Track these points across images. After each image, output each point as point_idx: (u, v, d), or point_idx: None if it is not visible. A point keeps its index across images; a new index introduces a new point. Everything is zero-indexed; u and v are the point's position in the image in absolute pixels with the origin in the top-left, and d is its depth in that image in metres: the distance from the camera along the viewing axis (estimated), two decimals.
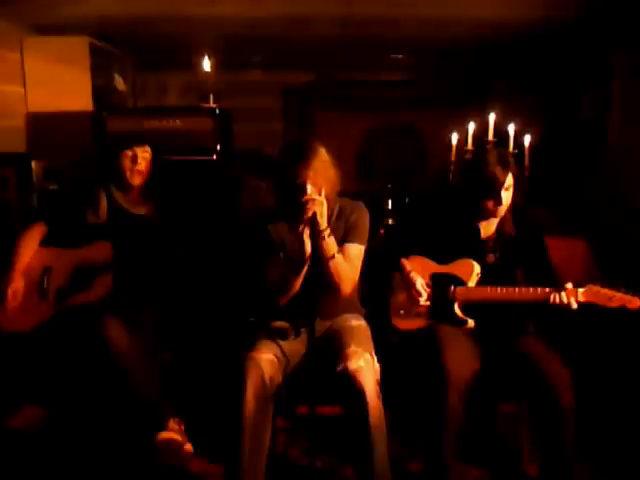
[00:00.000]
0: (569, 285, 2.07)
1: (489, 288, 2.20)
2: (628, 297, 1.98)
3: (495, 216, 2.26)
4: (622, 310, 2.00)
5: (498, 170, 2.16)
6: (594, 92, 4.06)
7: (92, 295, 2.42)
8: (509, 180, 2.18)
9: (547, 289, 2.09)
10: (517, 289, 2.15)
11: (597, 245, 3.13)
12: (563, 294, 2.06)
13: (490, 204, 2.20)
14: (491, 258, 2.29)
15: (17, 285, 2.41)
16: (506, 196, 2.19)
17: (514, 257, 2.27)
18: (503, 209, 2.23)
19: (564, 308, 2.06)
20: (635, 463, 2.32)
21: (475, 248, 2.28)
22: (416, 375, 2.21)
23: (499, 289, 2.18)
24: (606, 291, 2.02)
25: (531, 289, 2.13)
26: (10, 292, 2.39)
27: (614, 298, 2.00)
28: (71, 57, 3.67)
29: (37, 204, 3.45)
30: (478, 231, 2.30)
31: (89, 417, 2.47)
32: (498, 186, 2.16)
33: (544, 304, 2.09)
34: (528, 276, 2.23)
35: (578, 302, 2.05)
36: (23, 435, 2.50)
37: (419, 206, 3.57)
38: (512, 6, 3.23)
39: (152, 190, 2.61)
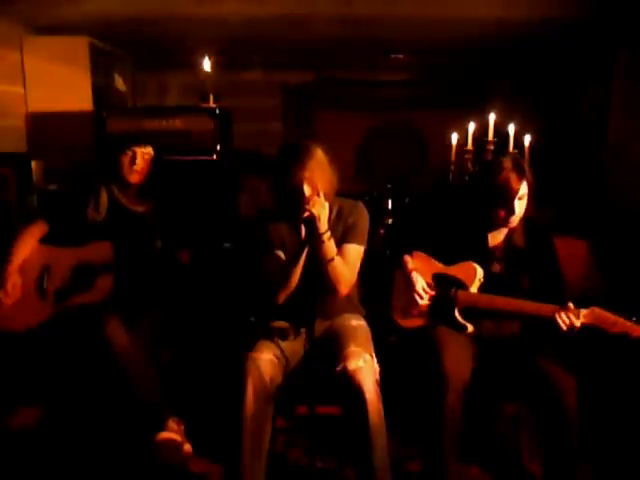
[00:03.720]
0: (570, 304, 2.00)
1: (491, 297, 2.15)
2: (630, 324, 1.91)
3: (506, 226, 2.17)
4: (623, 337, 1.92)
5: (513, 177, 2.06)
6: (595, 92, 4.06)
7: (93, 296, 2.42)
8: (523, 189, 2.08)
9: (550, 306, 2.02)
10: (520, 302, 2.08)
11: (597, 245, 3.13)
12: (564, 315, 1.98)
13: (502, 213, 2.11)
14: (497, 267, 2.22)
15: (14, 280, 2.40)
16: (519, 206, 2.09)
17: (521, 269, 2.19)
18: (515, 219, 2.12)
19: (566, 330, 1.99)
20: (635, 465, 2.32)
21: (481, 257, 2.21)
22: (415, 375, 2.21)
23: (501, 299, 2.12)
24: (609, 315, 1.94)
25: (534, 305, 2.05)
26: (8, 286, 2.38)
27: (617, 324, 1.92)
28: (71, 57, 3.68)
29: (37, 204, 3.45)
30: (485, 240, 2.23)
31: (89, 417, 2.47)
32: (512, 194, 2.06)
33: (545, 321, 2.02)
34: (535, 288, 2.14)
35: (581, 323, 1.97)
36: (23, 435, 2.50)
37: (423, 205, 3.56)
38: (513, 6, 3.22)
39: (151, 190, 2.61)
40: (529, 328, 2.19)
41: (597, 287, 2.90)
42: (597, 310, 1.97)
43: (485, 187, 2.14)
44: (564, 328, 1.98)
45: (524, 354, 2.10)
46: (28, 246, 2.47)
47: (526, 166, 2.13)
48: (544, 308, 2.03)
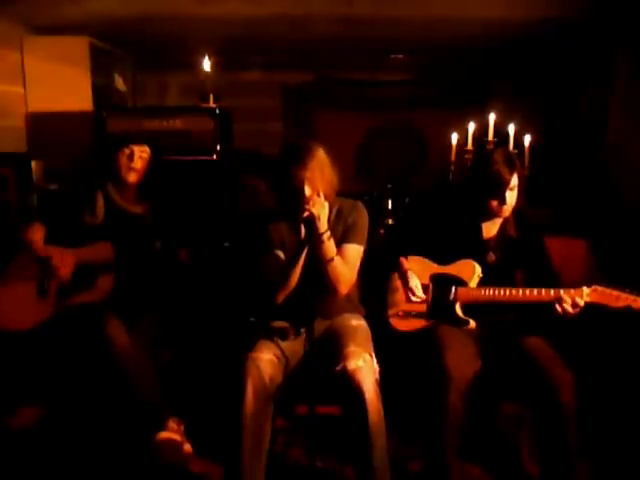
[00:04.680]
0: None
1: (491, 289, 2.19)
2: (633, 297, 1.96)
3: (499, 216, 2.25)
4: (627, 311, 1.98)
5: (504, 169, 2.15)
6: (595, 92, 4.06)
7: (94, 295, 2.42)
8: (514, 180, 2.17)
9: (552, 291, 2.07)
10: (521, 290, 2.13)
11: (597, 245, 3.13)
12: (567, 296, 2.02)
13: (494, 204, 2.20)
14: (491, 257, 2.27)
15: (56, 252, 2.39)
16: (510, 196, 2.19)
17: (514, 259, 2.25)
18: (507, 209, 2.22)
19: (567, 313, 2.03)
20: (635, 463, 2.32)
21: (476, 248, 2.27)
22: (416, 375, 2.21)
23: (502, 290, 2.16)
24: (611, 291, 2.00)
25: (535, 290, 2.10)
26: (57, 259, 2.37)
27: (620, 298, 1.98)
28: (71, 57, 3.68)
29: (37, 204, 3.45)
30: (480, 230, 2.29)
31: (89, 417, 2.46)
32: (503, 186, 2.16)
33: (548, 306, 2.06)
34: (529, 278, 2.21)
35: (584, 302, 2.02)
36: (23, 435, 2.50)
37: (420, 206, 3.57)
38: (513, 6, 3.23)
39: (148, 190, 2.61)
40: (528, 318, 2.22)
41: None
42: (600, 288, 2.02)
43: (478, 178, 2.23)
44: (569, 309, 2.02)
45: (523, 343, 2.12)
46: (41, 239, 2.45)
47: (517, 159, 2.23)
48: (546, 292, 2.08)
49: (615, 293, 2.00)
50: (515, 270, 2.26)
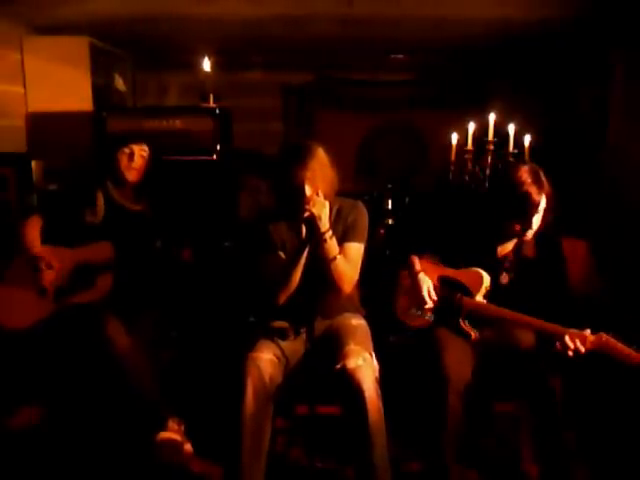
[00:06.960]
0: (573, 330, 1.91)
1: (497, 307, 2.09)
2: (635, 354, 1.81)
3: (521, 239, 2.10)
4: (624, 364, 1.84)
5: (534, 191, 1.97)
6: (594, 92, 4.06)
7: (94, 294, 2.42)
8: (543, 202, 2.00)
9: (557, 327, 1.93)
10: (527, 317, 2.00)
11: (597, 245, 3.12)
12: (570, 341, 1.89)
13: (517, 227, 2.04)
14: (505, 278, 2.15)
15: (47, 259, 2.40)
16: (537, 219, 2.02)
17: (530, 280, 2.11)
18: (531, 233, 2.05)
19: (567, 355, 1.90)
20: (634, 467, 2.31)
21: (489, 266, 2.15)
22: (415, 375, 2.21)
23: (508, 312, 2.05)
24: (616, 344, 1.85)
25: (541, 322, 1.97)
26: (43, 264, 2.38)
27: (623, 353, 1.83)
28: (71, 57, 3.68)
29: (37, 204, 3.45)
30: (495, 250, 2.17)
31: (89, 417, 2.47)
32: (532, 209, 1.98)
33: (550, 340, 1.94)
34: (543, 301, 2.04)
35: (586, 349, 1.88)
36: (23, 435, 2.50)
37: (428, 205, 3.53)
38: (512, 6, 3.23)
39: (147, 189, 2.61)
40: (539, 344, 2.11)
41: (596, 289, 2.90)
42: (604, 337, 1.88)
43: (502, 199, 2.05)
44: (569, 353, 1.90)
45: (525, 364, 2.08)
46: (36, 236, 2.46)
47: (543, 177, 2.04)
48: (552, 327, 1.95)
49: (619, 347, 1.84)
50: (529, 291, 2.09)
